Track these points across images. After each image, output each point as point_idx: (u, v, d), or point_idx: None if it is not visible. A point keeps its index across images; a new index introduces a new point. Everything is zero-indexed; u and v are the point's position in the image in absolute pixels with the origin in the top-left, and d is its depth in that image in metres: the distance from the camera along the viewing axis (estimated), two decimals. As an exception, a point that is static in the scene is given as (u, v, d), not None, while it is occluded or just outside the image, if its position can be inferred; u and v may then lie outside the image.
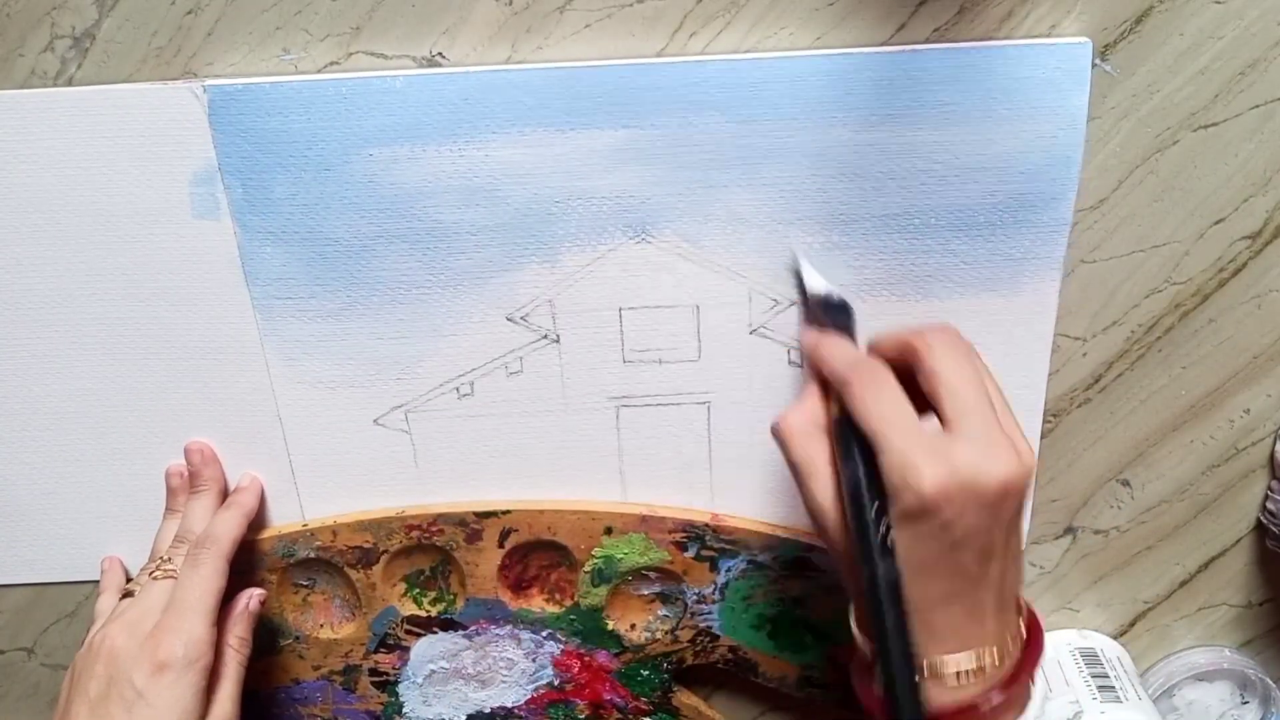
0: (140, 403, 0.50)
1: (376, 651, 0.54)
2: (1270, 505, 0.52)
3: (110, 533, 0.53)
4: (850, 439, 0.37)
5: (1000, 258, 0.45)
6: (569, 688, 0.55)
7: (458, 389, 0.49)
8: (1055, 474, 0.52)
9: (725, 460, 0.50)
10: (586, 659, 0.54)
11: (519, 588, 0.53)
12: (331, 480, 0.51)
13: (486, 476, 0.51)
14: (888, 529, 0.36)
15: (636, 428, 0.49)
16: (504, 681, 0.55)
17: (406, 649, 0.54)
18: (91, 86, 0.43)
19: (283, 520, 0.52)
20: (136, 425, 0.50)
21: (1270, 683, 0.55)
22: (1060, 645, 0.55)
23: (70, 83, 0.44)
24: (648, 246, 0.45)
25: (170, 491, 0.51)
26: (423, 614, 0.53)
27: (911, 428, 0.36)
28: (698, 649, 0.54)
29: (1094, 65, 0.43)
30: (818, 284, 0.44)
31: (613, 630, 0.53)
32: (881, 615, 0.36)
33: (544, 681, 0.55)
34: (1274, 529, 0.51)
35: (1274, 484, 0.52)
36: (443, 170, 0.44)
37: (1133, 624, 0.56)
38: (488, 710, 0.56)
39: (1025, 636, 0.39)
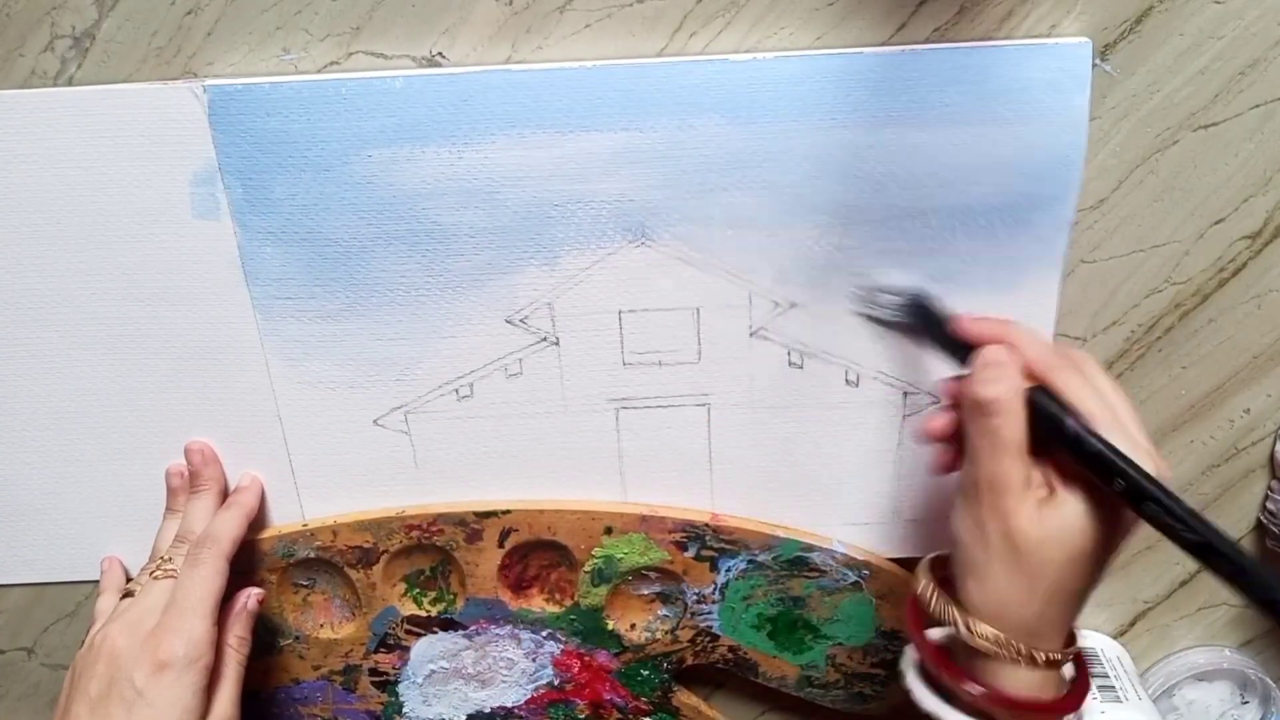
0: (140, 403, 0.50)
1: (376, 651, 0.54)
2: (1270, 505, 0.52)
3: (110, 533, 0.53)
4: (1061, 417, 0.37)
5: (1001, 258, 0.45)
6: (569, 688, 0.55)
7: (457, 390, 0.49)
8: (1055, 474, 0.52)
9: (725, 462, 0.50)
10: (586, 659, 0.54)
11: (519, 588, 0.53)
12: (331, 480, 0.51)
13: (486, 477, 0.51)
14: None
15: (636, 430, 0.49)
16: (504, 681, 0.55)
17: (406, 649, 0.54)
18: (91, 86, 0.43)
19: (283, 520, 0.52)
20: (137, 425, 0.50)
21: (1270, 683, 0.55)
22: (1060, 645, 0.55)
23: (70, 83, 0.44)
24: (647, 249, 0.45)
25: (170, 491, 0.51)
26: (423, 614, 0.53)
27: (1114, 425, 0.37)
28: (698, 649, 0.54)
29: (1094, 65, 0.43)
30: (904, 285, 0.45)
31: (613, 630, 0.53)
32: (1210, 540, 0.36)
33: (544, 681, 0.55)
34: (1274, 529, 0.51)
35: (1274, 484, 0.52)
36: (442, 172, 0.44)
37: (1133, 624, 0.56)
38: (488, 710, 0.56)
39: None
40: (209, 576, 0.45)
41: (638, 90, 0.42)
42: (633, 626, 0.53)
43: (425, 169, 0.44)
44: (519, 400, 0.49)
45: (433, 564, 0.52)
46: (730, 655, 0.54)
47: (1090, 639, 0.55)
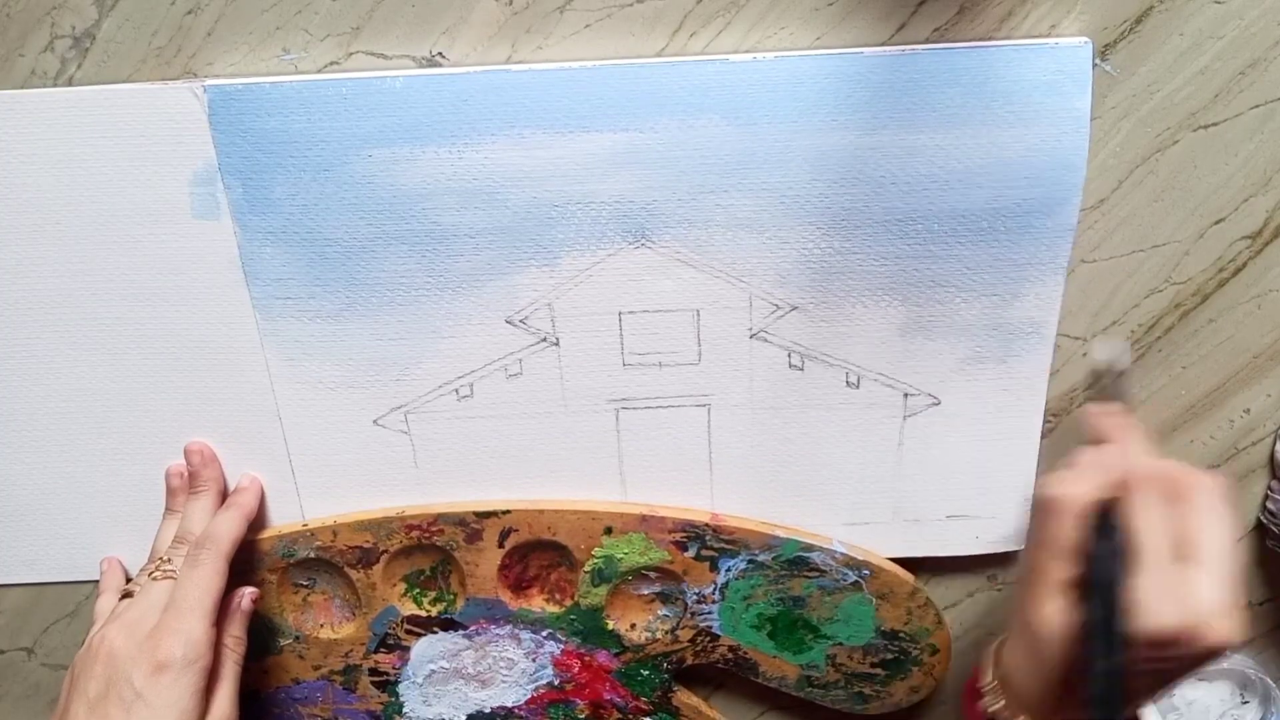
0: (140, 403, 0.50)
1: (377, 651, 0.54)
2: (1270, 505, 0.52)
3: (110, 533, 0.53)
4: (1111, 538, 0.38)
5: (1004, 263, 0.45)
6: (569, 687, 0.55)
7: (457, 391, 0.49)
8: (1055, 474, 0.52)
9: (725, 463, 0.50)
10: (587, 659, 0.54)
11: (519, 587, 0.53)
12: (331, 480, 0.51)
13: (486, 478, 0.51)
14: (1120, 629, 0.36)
15: (636, 430, 0.49)
16: (504, 681, 0.55)
17: (407, 649, 0.54)
18: (91, 87, 0.43)
19: (283, 520, 0.52)
20: (137, 425, 0.50)
21: (1270, 683, 0.55)
22: (1060, 645, 0.55)
23: (70, 83, 0.44)
24: (647, 251, 0.45)
25: (170, 491, 0.51)
26: (423, 614, 0.53)
27: (1165, 562, 0.36)
28: (698, 649, 0.54)
29: (1094, 65, 0.43)
30: (1114, 354, 0.46)
31: (613, 630, 0.53)
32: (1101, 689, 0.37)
33: (544, 681, 0.55)
34: (1274, 529, 0.51)
35: (1274, 484, 0.52)
36: (442, 172, 0.44)
37: (1133, 624, 0.56)
38: (488, 710, 0.56)
39: None
40: (208, 577, 0.45)
41: (638, 91, 0.42)
42: (633, 626, 0.53)
43: (425, 169, 0.44)
44: (519, 400, 0.49)
45: (433, 564, 0.52)
46: (730, 655, 0.54)
47: (1090, 639, 0.55)
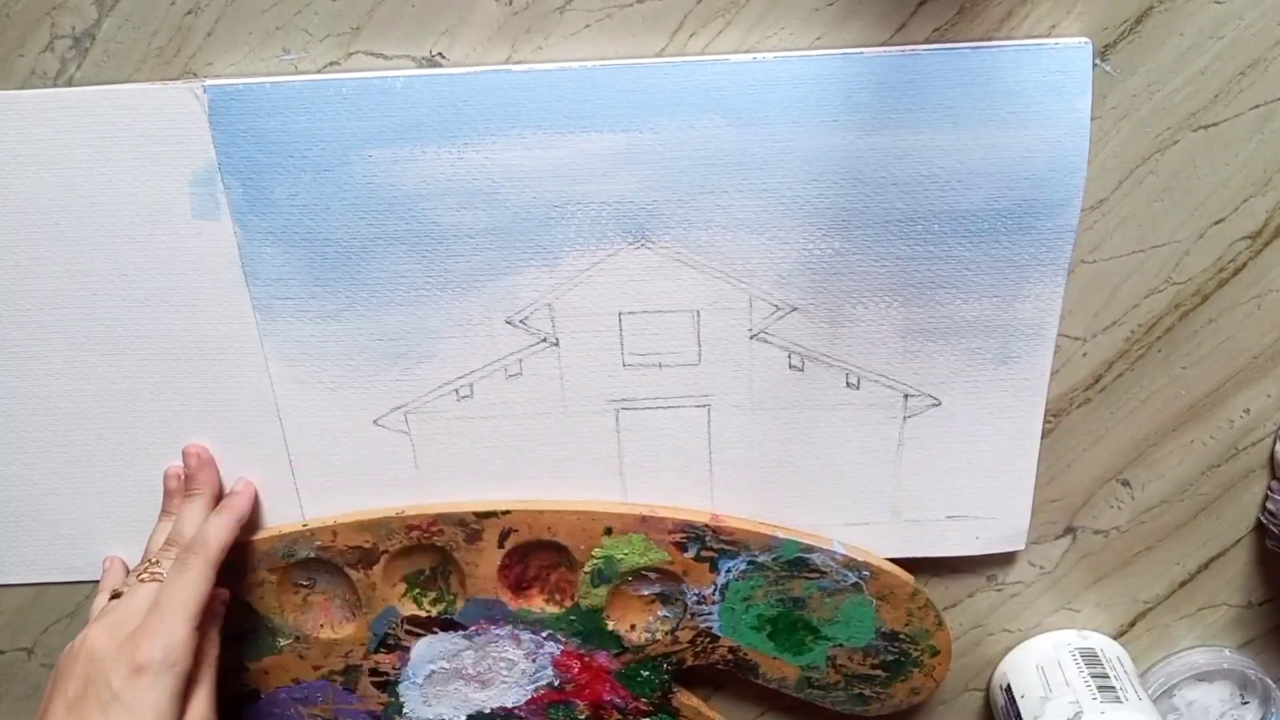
0: (140, 403, 0.50)
1: (377, 651, 0.54)
2: (1270, 505, 0.52)
3: (110, 533, 0.53)
4: None
5: (1004, 264, 0.45)
6: (569, 688, 0.55)
7: (457, 391, 0.49)
8: (1055, 474, 0.52)
9: (725, 463, 0.50)
10: (587, 659, 0.54)
11: (519, 588, 0.53)
12: (331, 480, 0.51)
13: (486, 478, 0.51)
14: None
15: (636, 430, 0.49)
16: (504, 682, 0.55)
17: (407, 649, 0.54)
18: (91, 87, 0.43)
19: (283, 520, 0.52)
20: (137, 426, 0.50)
21: (1270, 683, 0.55)
22: (1060, 645, 0.55)
23: (70, 83, 0.44)
24: (647, 251, 0.45)
25: (166, 493, 0.51)
26: (423, 614, 0.53)
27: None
28: (698, 649, 0.54)
29: (1094, 65, 0.43)
30: None
31: (613, 631, 0.53)
32: None
33: (544, 682, 0.55)
34: (1274, 529, 0.51)
35: (1274, 484, 0.52)
36: (442, 172, 0.44)
37: (1133, 624, 0.56)
38: (488, 711, 0.56)
39: None
40: (193, 581, 0.45)
41: (638, 91, 0.42)
42: (633, 627, 0.53)
43: (425, 169, 0.44)
44: (519, 401, 0.49)
45: (433, 564, 0.52)
46: (730, 656, 0.54)
47: (1090, 639, 0.55)
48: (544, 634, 0.53)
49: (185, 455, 0.50)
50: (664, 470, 0.50)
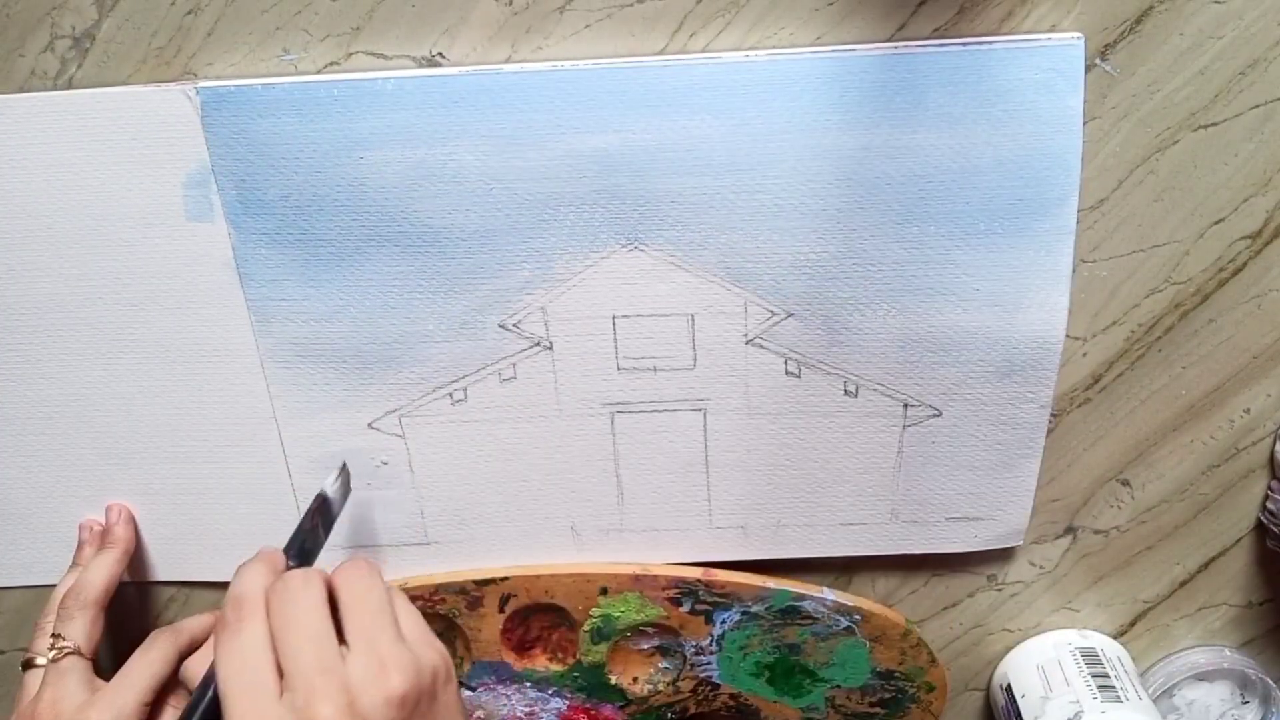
0: (136, 406, 0.49)
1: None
2: (1270, 505, 0.52)
3: (106, 536, 0.53)
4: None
5: (1003, 269, 0.45)
6: (579, 742, 0.55)
7: (451, 394, 0.48)
8: (1055, 474, 0.52)
9: (722, 466, 0.50)
10: (593, 712, 0.55)
11: (522, 649, 0.54)
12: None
13: (480, 481, 0.50)
14: None
15: (632, 434, 0.49)
16: (515, 738, 0.55)
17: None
18: (83, 90, 0.43)
19: (278, 524, 0.51)
20: (132, 429, 0.50)
21: (1270, 683, 0.55)
22: (1060, 645, 0.55)
23: (70, 83, 0.44)
24: (641, 254, 0.45)
25: (79, 544, 0.52)
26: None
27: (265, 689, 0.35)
28: (700, 698, 0.54)
29: (1094, 65, 0.42)
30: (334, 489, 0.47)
31: (616, 684, 0.54)
32: None
33: (553, 736, 0.55)
34: (1274, 529, 0.51)
35: (1274, 484, 0.52)
36: (434, 174, 0.43)
37: (1133, 624, 0.56)
38: (499, 766, 0.56)
39: None
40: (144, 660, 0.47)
41: (631, 92, 0.42)
42: (635, 680, 0.54)
43: (418, 171, 0.43)
44: (513, 404, 0.49)
45: (438, 631, 0.52)
46: (732, 702, 0.55)
47: (1090, 638, 0.55)
48: (550, 690, 0.54)
49: (106, 510, 0.51)
50: (660, 473, 0.50)
